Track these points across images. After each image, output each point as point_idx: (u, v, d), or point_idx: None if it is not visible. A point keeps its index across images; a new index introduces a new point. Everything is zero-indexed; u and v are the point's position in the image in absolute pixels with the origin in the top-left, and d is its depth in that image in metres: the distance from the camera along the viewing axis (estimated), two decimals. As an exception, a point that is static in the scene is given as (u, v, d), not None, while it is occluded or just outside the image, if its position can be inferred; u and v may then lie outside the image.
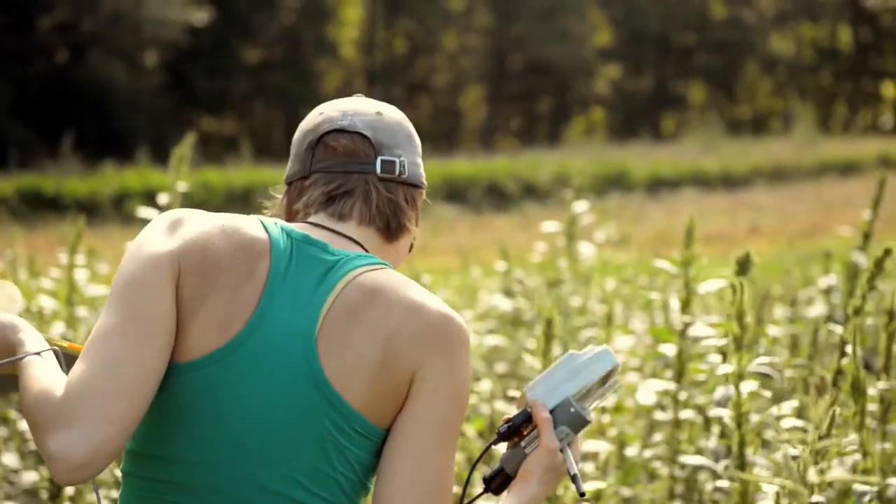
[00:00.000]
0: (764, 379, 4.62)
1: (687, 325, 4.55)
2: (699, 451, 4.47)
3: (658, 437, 4.93)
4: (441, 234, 21.78)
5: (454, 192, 27.15)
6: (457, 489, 4.49)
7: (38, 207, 24.90)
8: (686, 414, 4.53)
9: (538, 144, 40.00)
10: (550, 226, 7.56)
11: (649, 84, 52.16)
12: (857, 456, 3.26)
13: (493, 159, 31.79)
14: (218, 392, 2.15)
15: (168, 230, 2.21)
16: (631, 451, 5.07)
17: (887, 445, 3.86)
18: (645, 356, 6.00)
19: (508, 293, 8.18)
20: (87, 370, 2.08)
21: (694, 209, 22.09)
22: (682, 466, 4.53)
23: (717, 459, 4.28)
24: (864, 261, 5.49)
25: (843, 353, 3.90)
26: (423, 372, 2.17)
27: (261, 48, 45.39)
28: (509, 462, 2.35)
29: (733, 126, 42.37)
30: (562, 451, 2.30)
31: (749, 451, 3.78)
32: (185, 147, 5.53)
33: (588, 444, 4.68)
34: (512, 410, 6.28)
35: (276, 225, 2.26)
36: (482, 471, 4.58)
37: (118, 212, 22.21)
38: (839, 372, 3.81)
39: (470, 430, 5.34)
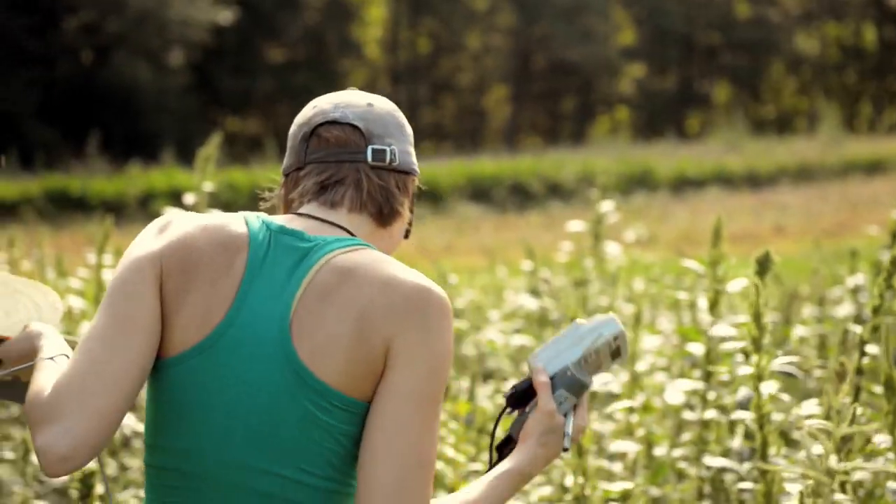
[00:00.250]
0: (792, 379, 4.62)
1: (714, 324, 4.54)
2: (725, 452, 4.46)
3: (686, 436, 4.93)
4: (465, 233, 21.78)
5: (478, 192, 27.15)
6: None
7: (65, 208, 24.99)
8: (711, 414, 4.52)
9: (562, 144, 39.96)
10: (576, 225, 7.55)
11: (674, 83, 52.08)
12: (891, 454, 3.24)
13: (518, 158, 31.77)
14: (203, 382, 2.26)
15: (156, 234, 2.34)
16: (659, 450, 5.07)
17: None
18: (672, 356, 5.99)
19: (534, 293, 8.18)
20: (71, 371, 2.22)
21: (719, 209, 22.05)
22: (708, 467, 4.53)
23: (741, 461, 4.27)
24: (891, 260, 5.46)
25: (862, 353, 3.88)
26: (398, 344, 2.23)
27: (285, 48, 45.46)
28: (515, 428, 2.41)
29: (758, 125, 42.23)
30: (565, 415, 2.36)
31: (772, 452, 3.77)
32: (210, 147, 5.55)
33: (617, 445, 4.67)
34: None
35: (258, 219, 2.36)
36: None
37: (144, 212, 22.27)
38: (860, 371, 3.80)
39: (499, 430, 5.33)
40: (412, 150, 2.51)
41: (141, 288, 2.28)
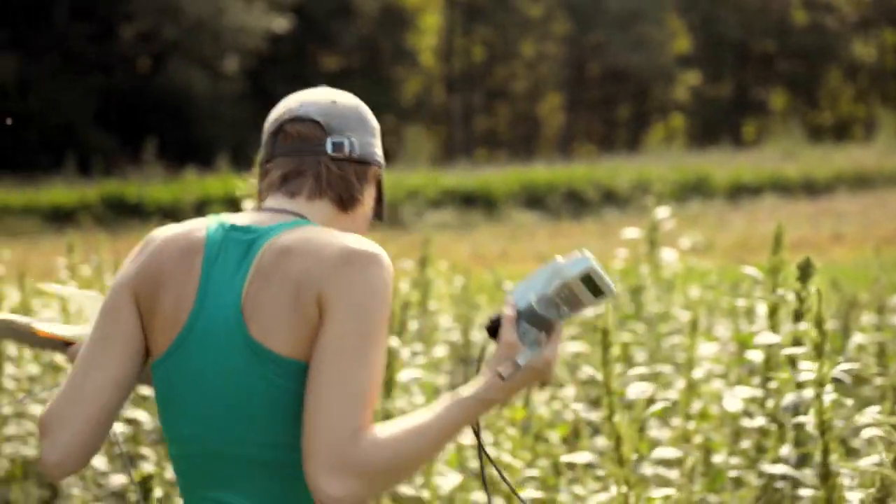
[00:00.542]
0: (846, 387, 4.58)
1: (754, 332, 4.51)
2: (776, 460, 4.43)
3: (745, 444, 4.90)
4: (520, 240, 21.78)
5: (533, 199, 27.14)
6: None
7: (122, 214, 25.19)
8: (760, 421, 4.49)
9: (617, 151, 39.85)
10: (632, 232, 7.53)
11: (729, 90, 51.84)
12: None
13: (572, 166, 31.73)
14: (183, 374, 2.54)
15: (134, 257, 2.64)
16: (717, 458, 5.04)
17: None
18: (729, 363, 5.96)
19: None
20: (61, 389, 2.60)
21: (775, 216, 21.94)
22: (760, 474, 4.49)
23: (791, 467, 4.23)
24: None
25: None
26: (326, 294, 2.43)
27: (339, 56, 45.63)
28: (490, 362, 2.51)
29: (815, 132, 41.99)
30: (531, 346, 2.46)
31: (832, 459, 3.75)
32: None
33: (660, 451, 4.64)
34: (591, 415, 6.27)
35: (217, 221, 2.60)
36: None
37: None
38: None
39: (554, 435, 5.33)
40: (375, 142, 2.71)
41: (116, 310, 2.59)
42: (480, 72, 50.89)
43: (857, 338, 6.33)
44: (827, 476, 3.77)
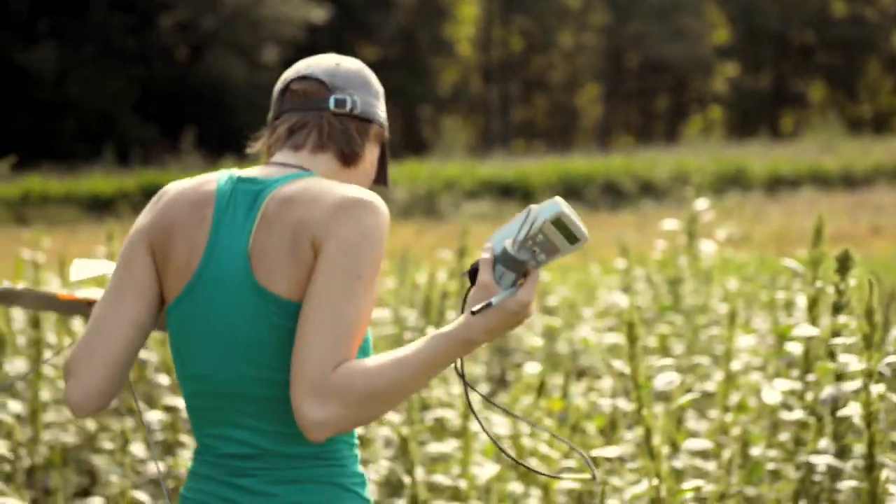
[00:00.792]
0: (889, 380, 4.55)
1: (792, 325, 4.49)
2: (815, 453, 4.41)
3: (783, 436, 4.88)
4: (557, 231, 21.74)
5: (570, 190, 27.08)
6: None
7: (160, 203, 25.26)
8: (798, 414, 4.47)
9: (655, 142, 39.71)
10: (671, 223, 7.51)
11: (768, 82, 51.62)
12: None
13: (610, 157, 31.65)
14: (195, 317, 2.69)
15: (148, 210, 2.80)
16: (755, 450, 5.03)
17: None
18: (768, 355, 5.95)
19: (627, 290, 8.15)
20: (83, 334, 2.74)
21: (814, 209, 21.83)
22: (798, 467, 4.48)
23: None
24: None
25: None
26: (320, 236, 2.58)
27: (378, 46, 45.65)
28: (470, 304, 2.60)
29: (854, 125, 41.74)
30: (506, 290, 2.54)
31: (878, 451, 3.73)
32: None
33: (690, 443, 4.63)
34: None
35: (228, 174, 2.76)
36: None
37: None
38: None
39: (591, 427, 5.33)
40: (378, 103, 2.85)
41: (133, 258, 2.75)
42: (518, 62, 50.83)
43: (897, 331, 6.30)
44: (872, 468, 3.76)
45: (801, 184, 27.55)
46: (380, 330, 7.24)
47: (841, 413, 3.98)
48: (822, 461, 4.10)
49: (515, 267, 2.53)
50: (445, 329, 2.56)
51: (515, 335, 8.11)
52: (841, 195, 25.95)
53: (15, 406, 5.95)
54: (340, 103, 2.79)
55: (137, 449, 5.65)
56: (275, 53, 40.99)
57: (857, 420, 3.74)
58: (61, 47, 36.91)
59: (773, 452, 4.86)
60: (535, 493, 5.06)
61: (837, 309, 4.23)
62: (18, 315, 7.06)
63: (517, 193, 26.75)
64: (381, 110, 2.87)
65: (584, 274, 11.88)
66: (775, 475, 4.89)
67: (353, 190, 2.63)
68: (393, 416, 5.50)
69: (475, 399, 5.78)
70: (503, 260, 2.54)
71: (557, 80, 52.00)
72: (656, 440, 4.07)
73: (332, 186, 2.65)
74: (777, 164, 28.70)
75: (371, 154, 2.86)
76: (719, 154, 30.26)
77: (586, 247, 16.05)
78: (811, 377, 4.50)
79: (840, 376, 4.18)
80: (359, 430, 5.45)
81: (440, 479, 5.02)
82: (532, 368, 6.24)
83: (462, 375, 2.68)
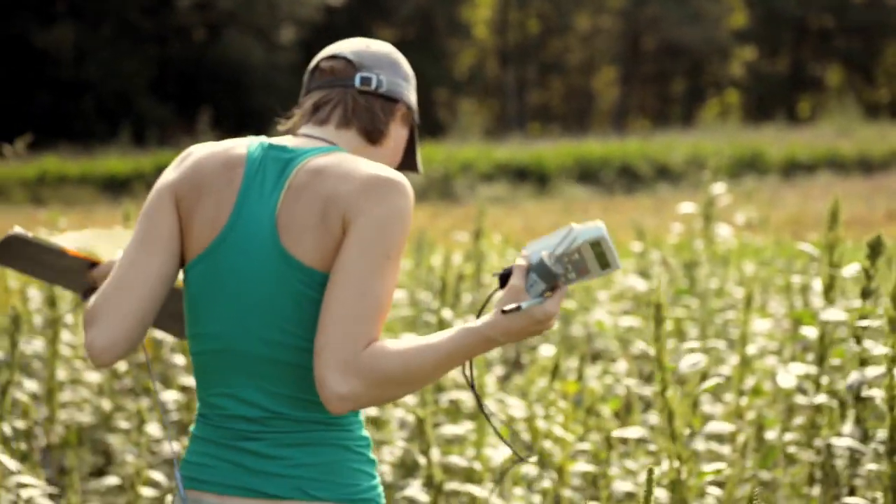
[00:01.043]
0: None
1: (821, 308, 4.49)
2: (838, 436, 4.41)
3: (798, 420, 4.88)
4: (573, 215, 21.72)
5: (586, 174, 27.05)
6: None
7: (176, 184, 25.28)
8: (822, 398, 4.47)
9: (671, 126, 39.63)
10: (687, 207, 7.51)
11: (785, 66, 51.46)
12: None
13: (626, 141, 31.57)
14: (216, 275, 2.74)
15: (175, 166, 2.84)
16: (770, 434, 5.03)
17: None
18: (784, 339, 5.94)
19: (643, 274, 8.15)
20: (105, 283, 2.79)
21: (830, 193, 21.77)
22: (818, 451, 4.47)
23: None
24: None
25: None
26: (352, 212, 2.65)
27: (394, 28, 45.60)
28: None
29: (871, 109, 41.61)
30: (537, 296, 2.62)
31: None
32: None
33: (713, 426, 4.63)
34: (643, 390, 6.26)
35: (258, 141, 2.82)
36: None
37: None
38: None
39: (606, 409, 5.33)
40: (405, 84, 2.92)
41: (158, 211, 2.79)
42: (534, 45, 50.73)
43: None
44: (893, 452, 3.76)
45: (818, 168, 27.47)
46: (396, 311, 7.25)
47: (864, 395, 3.98)
48: (843, 443, 4.09)
49: (548, 278, 2.61)
50: (471, 324, 2.63)
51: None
52: (857, 180, 25.88)
53: (31, 385, 5.98)
54: (366, 81, 2.86)
55: (153, 429, 5.67)
56: (292, 34, 40.98)
57: (880, 403, 3.73)
58: (79, 27, 36.94)
59: (788, 436, 4.86)
60: (550, 475, 5.07)
61: (866, 294, 4.24)
62: (35, 294, 7.08)
63: (533, 177, 26.72)
64: (409, 92, 2.94)
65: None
66: (790, 459, 4.89)
67: (383, 169, 2.70)
68: (408, 398, 5.51)
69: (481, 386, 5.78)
70: (537, 269, 2.61)
71: (574, 63, 51.90)
72: (678, 422, 4.07)
73: (362, 163, 2.72)
74: (794, 149, 28.62)
75: (397, 134, 2.93)
76: (736, 138, 30.16)
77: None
78: (836, 361, 4.50)
79: (865, 361, 4.19)
80: (373, 411, 5.46)
81: (455, 460, 5.03)
82: (547, 351, 6.25)
83: (472, 383, 2.77)
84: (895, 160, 28.05)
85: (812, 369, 4.53)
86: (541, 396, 5.31)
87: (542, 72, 51.49)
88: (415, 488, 4.85)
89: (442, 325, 5.66)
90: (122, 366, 6.51)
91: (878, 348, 3.87)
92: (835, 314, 4.35)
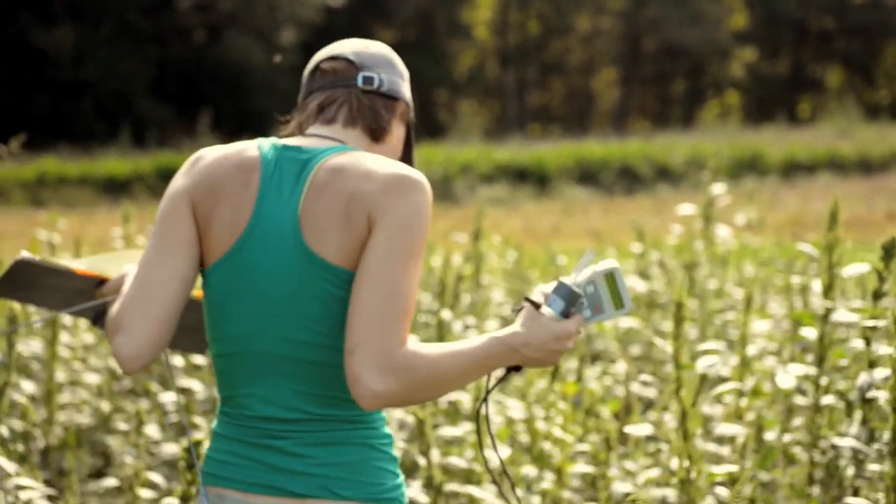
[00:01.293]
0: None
1: (829, 309, 4.48)
2: (840, 437, 4.40)
3: (797, 421, 4.87)
4: (573, 216, 21.74)
5: (586, 175, 27.05)
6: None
7: (176, 185, 25.26)
8: (829, 399, 4.46)
9: (672, 127, 39.63)
10: (687, 208, 7.50)
11: (785, 67, 51.45)
12: None
13: (626, 142, 31.58)
14: (239, 277, 2.76)
15: (186, 171, 2.85)
16: (769, 435, 5.02)
17: None
18: (783, 340, 5.94)
19: (643, 275, 8.14)
20: (127, 290, 2.80)
21: (830, 194, 21.76)
22: (823, 452, 4.47)
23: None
24: None
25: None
26: (375, 212, 2.69)
27: (394, 29, 45.59)
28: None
29: (871, 110, 41.59)
30: (562, 313, 2.71)
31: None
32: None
33: (723, 428, 4.64)
34: (645, 391, 6.26)
35: (269, 142, 2.85)
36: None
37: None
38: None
39: (605, 410, 5.33)
40: (404, 84, 2.97)
41: (175, 216, 2.80)
42: (535, 46, 50.72)
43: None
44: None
45: (818, 169, 27.48)
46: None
47: (868, 396, 3.98)
48: (846, 444, 4.09)
49: (568, 298, 2.70)
50: (498, 333, 2.70)
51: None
52: (857, 181, 25.89)
53: (29, 387, 5.97)
54: (368, 80, 2.90)
55: (152, 431, 5.67)
56: (292, 35, 40.96)
57: (883, 404, 3.73)
58: (78, 28, 36.92)
59: (787, 437, 4.85)
60: (549, 476, 5.06)
61: (878, 295, 4.24)
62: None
63: (532, 178, 26.72)
64: (407, 91, 2.99)
65: (601, 258, 11.86)
66: (790, 460, 4.89)
67: (403, 167, 2.75)
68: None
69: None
70: (558, 290, 2.71)
71: (574, 64, 51.89)
72: (690, 422, 4.07)
73: (381, 161, 2.76)
74: (793, 150, 28.62)
75: (398, 131, 2.97)
76: (736, 139, 30.17)
77: (602, 231, 16.05)
78: (843, 362, 4.50)
79: (873, 363, 4.19)
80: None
81: (455, 461, 5.03)
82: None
83: (486, 394, 2.87)
84: (895, 161, 28.05)
85: (811, 370, 4.53)
86: (540, 398, 5.30)
87: (543, 73, 51.48)
88: (415, 489, 4.85)
89: (441, 325, 5.66)
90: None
91: (882, 349, 3.87)
92: (844, 315, 4.34)
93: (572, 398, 5.55)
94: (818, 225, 16.85)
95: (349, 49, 2.95)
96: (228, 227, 2.77)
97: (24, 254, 3.02)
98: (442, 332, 5.55)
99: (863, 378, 4.00)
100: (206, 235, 2.79)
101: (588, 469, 4.88)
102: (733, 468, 4.19)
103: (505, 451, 4.89)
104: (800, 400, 4.74)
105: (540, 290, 2.75)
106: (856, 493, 4.33)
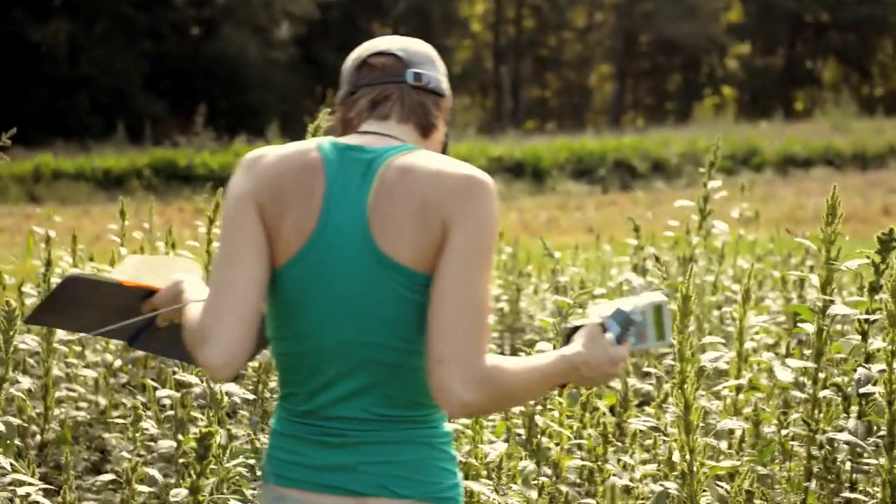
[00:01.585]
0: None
1: (828, 303, 4.47)
2: (838, 431, 4.40)
3: (795, 415, 4.87)
4: (568, 210, 21.74)
5: (582, 169, 27.06)
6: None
7: (172, 180, 25.27)
8: (825, 393, 4.46)
9: (667, 122, 39.64)
10: (683, 202, 7.50)
11: (780, 62, 51.48)
12: None
13: (622, 136, 31.59)
14: (308, 279, 2.76)
15: (245, 172, 2.84)
16: (767, 429, 5.02)
17: None
18: (780, 334, 5.93)
19: (640, 269, 8.14)
20: (208, 298, 2.78)
21: (825, 189, 21.78)
22: (821, 446, 4.46)
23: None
24: None
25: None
26: (451, 216, 2.68)
27: (390, 24, 45.55)
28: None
29: (867, 104, 41.62)
30: (618, 338, 2.79)
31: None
32: (320, 120, 5.56)
33: (724, 423, 4.63)
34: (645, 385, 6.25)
35: (329, 142, 2.83)
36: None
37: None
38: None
39: (602, 404, 5.32)
40: (444, 79, 2.99)
41: (245, 219, 2.78)
42: (530, 41, 50.71)
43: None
44: (893, 446, 3.75)
45: (813, 164, 27.51)
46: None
47: (863, 390, 3.97)
48: (843, 437, 4.09)
49: (623, 324, 2.79)
50: (564, 351, 2.76)
51: (526, 311, 8.09)
52: (853, 175, 25.92)
53: (26, 382, 5.96)
54: (418, 77, 2.92)
55: (148, 426, 5.66)
56: (287, 30, 40.93)
57: (879, 398, 3.72)
58: (74, 24, 36.89)
59: (785, 431, 4.85)
60: (546, 470, 5.06)
61: (874, 289, 4.23)
62: (30, 290, 7.05)
63: (528, 172, 26.72)
64: (447, 86, 3.01)
65: (597, 252, 11.87)
66: (788, 454, 4.88)
67: (469, 167, 2.76)
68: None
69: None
70: (615, 317, 2.80)
71: (569, 59, 51.89)
72: (693, 415, 4.07)
73: (446, 161, 2.77)
74: (789, 144, 28.65)
75: (442, 127, 3.00)
76: (731, 134, 30.18)
77: (598, 226, 16.05)
78: (839, 356, 4.49)
79: (869, 357, 4.18)
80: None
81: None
82: (544, 346, 6.24)
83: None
84: (891, 155, 28.09)
85: (810, 364, 4.52)
86: (537, 392, 5.29)
87: (538, 68, 51.48)
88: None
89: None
90: (117, 361, 6.49)
91: (876, 342, 3.86)
92: (842, 309, 4.33)
93: (568, 392, 5.54)
94: (814, 219, 16.86)
95: (395, 45, 2.96)
96: (297, 229, 2.75)
97: (74, 271, 2.97)
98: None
99: (861, 372, 3.99)
100: (275, 238, 2.78)
101: (585, 462, 4.88)
102: (736, 463, 4.18)
103: (502, 446, 4.89)
104: (797, 394, 4.74)
105: (598, 314, 2.80)
106: (853, 486, 4.33)
